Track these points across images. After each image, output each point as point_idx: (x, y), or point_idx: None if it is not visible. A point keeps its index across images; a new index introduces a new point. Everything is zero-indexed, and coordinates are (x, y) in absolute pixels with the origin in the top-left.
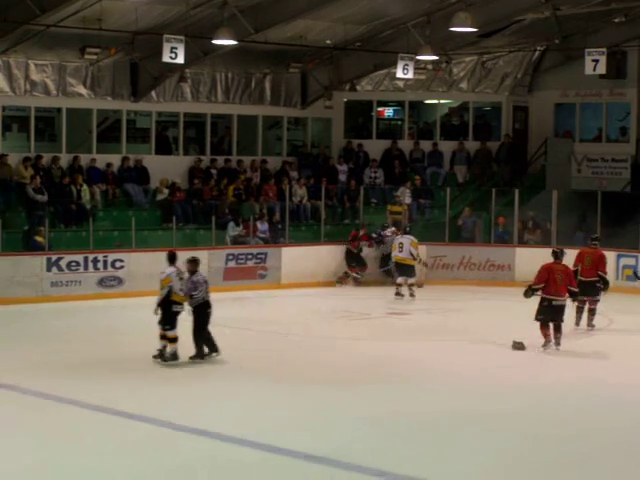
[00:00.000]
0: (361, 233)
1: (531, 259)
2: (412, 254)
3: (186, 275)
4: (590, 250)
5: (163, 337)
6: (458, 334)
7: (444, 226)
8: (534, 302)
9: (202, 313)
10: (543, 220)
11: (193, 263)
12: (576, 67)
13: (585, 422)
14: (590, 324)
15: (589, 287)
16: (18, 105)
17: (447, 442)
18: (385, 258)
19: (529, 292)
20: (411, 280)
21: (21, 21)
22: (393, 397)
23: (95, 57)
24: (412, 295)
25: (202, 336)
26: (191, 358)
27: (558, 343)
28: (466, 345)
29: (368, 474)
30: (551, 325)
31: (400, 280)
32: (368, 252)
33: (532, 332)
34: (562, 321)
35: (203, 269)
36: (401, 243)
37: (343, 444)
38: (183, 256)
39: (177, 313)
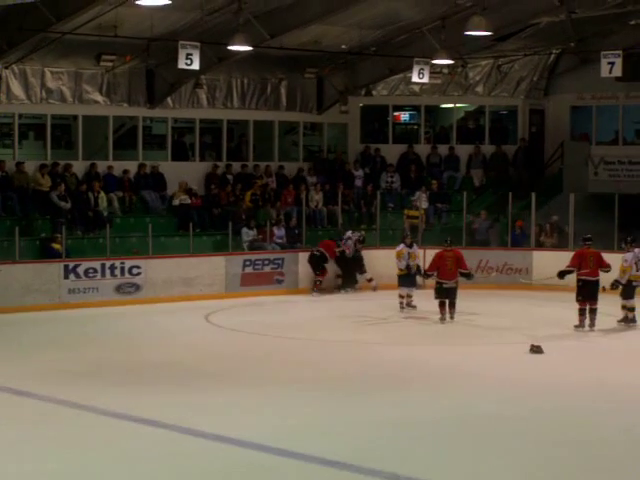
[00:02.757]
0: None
1: (548, 262)
2: (398, 265)
3: None
4: (591, 251)
5: None
6: (475, 338)
7: (461, 230)
8: (553, 306)
9: None
10: (560, 223)
11: None
12: (592, 70)
13: (609, 426)
14: (593, 323)
15: (594, 287)
16: (34, 113)
17: (466, 446)
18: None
19: (424, 276)
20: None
21: (37, 29)
22: (411, 401)
23: (111, 64)
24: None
25: None
26: None
27: (452, 317)
28: (483, 348)
29: (385, 478)
30: (446, 302)
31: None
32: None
33: (550, 336)
34: (454, 299)
35: (220, 275)
36: None
37: (360, 448)
38: (202, 262)
39: None
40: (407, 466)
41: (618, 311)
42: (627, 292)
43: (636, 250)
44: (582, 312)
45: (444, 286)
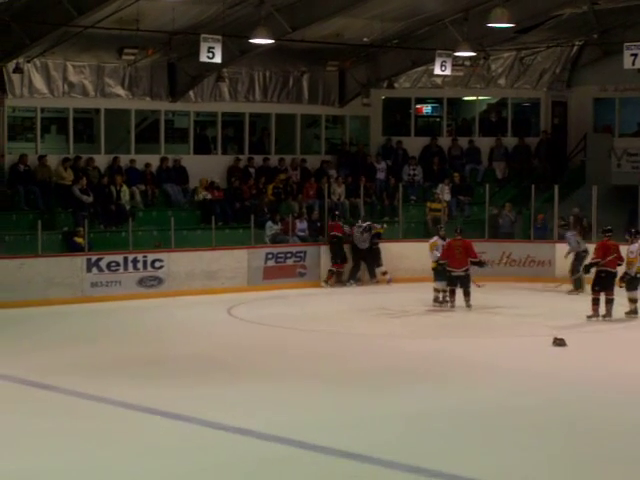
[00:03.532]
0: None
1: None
2: (430, 257)
3: None
4: (612, 242)
5: None
6: (497, 330)
7: (484, 223)
8: (576, 299)
9: None
10: (582, 215)
11: None
12: (615, 61)
13: (625, 418)
14: (610, 313)
15: (614, 279)
16: (56, 107)
17: (485, 438)
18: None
19: (437, 266)
20: (436, 285)
21: (58, 23)
22: (430, 394)
23: (133, 58)
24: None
25: None
26: None
27: (468, 305)
28: (506, 341)
29: (404, 471)
30: (456, 290)
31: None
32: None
33: (573, 328)
34: (467, 287)
35: (242, 268)
36: None
37: (379, 441)
38: (224, 256)
39: None
40: (427, 459)
41: (625, 301)
42: (632, 284)
43: None
44: (596, 302)
45: (453, 274)
